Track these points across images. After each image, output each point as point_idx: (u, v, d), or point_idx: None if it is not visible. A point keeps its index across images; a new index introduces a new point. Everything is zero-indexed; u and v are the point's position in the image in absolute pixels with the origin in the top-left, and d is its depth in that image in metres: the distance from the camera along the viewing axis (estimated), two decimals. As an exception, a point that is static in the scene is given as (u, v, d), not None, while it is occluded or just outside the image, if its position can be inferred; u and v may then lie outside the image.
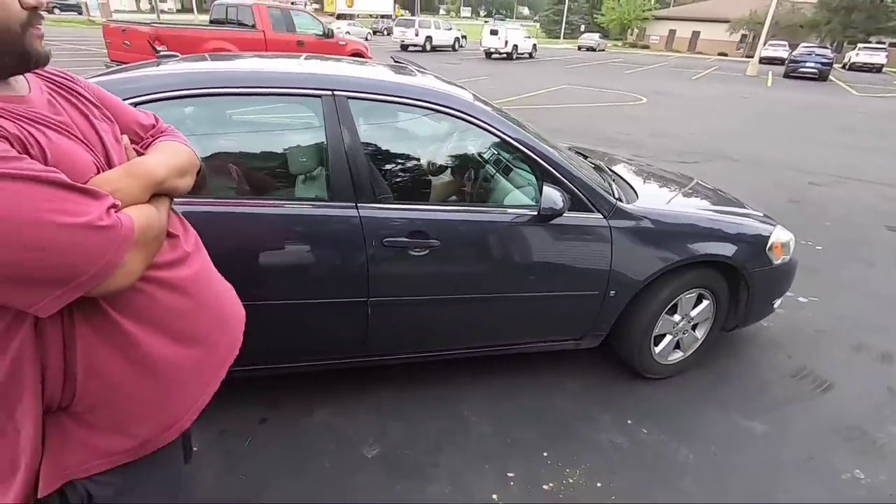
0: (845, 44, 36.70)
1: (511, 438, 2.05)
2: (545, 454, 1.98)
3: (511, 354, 2.26)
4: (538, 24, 61.84)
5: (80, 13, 35.72)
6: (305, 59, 2.11)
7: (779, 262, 2.37)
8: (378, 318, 1.89)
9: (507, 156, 2.26)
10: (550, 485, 1.85)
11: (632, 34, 49.99)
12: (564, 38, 49.92)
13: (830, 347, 2.82)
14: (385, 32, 38.13)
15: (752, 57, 26.04)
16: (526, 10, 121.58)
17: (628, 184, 2.39)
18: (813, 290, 3.34)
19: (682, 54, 41.72)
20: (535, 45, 25.94)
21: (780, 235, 2.38)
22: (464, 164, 2.23)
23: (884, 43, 34.10)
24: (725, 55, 41.15)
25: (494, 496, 1.79)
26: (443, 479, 1.84)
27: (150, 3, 44.33)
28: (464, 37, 28.73)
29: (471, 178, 2.19)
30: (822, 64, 21.25)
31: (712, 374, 2.51)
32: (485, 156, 2.31)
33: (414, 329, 2.02)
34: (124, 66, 1.96)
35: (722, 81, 19.24)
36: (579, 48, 35.95)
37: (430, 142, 2.24)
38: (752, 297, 2.36)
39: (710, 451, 2.05)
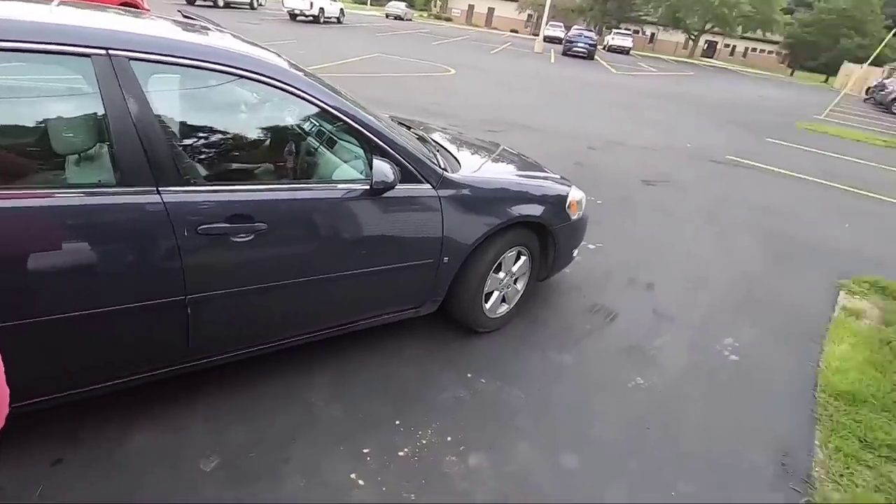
0: (604, 28, 43.95)
1: (362, 415, 2.04)
2: (397, 422, 2.04)
3: (354, 332, 2.23)
4: (343, -13, 59.59)
5: None
6: (57, 5, 1.66)
7: (575, 217, 2.78)
8: (200, 318, 1.66)
9: (330, 128, 2.15)
10: (406, 450, 1.91)
11: (435, 6, 51.82)
12: (371, 4, 49.20)
13: (613, 284, 3.45)
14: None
15: (537, 35, 29.38)
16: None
17: (451, 153, 2.50)
18: (598, 238, 4.03)
19: (480, 29, 44.90)
20: (342, 9, 25.02)
21: (575, 194, 2.78)
22: (284, 137, 2.04)
23: (629, 30, 41.85)
24: (516, 32, 45.66)
25: (353, 475, 1.78)
26: (296, 473, 1.76)
27: None
28: (262, -6, 26.16)
29: (293, 153, 2.03)
30: (589, 45, 25.13)
31: (529, 321, 2.86)
32: (307, 128, 2.15)
33: (245, 323, 1.84)
34: None
35: (516, 57, 21.34)
36: (387, 16, 35.94)
37: (243, 113, 1.98)
38: (558, 249, 2.74)
39: (535, 387, 2.36)
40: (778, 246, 4.57)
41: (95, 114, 1.44)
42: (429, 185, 2.06)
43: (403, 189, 1.97)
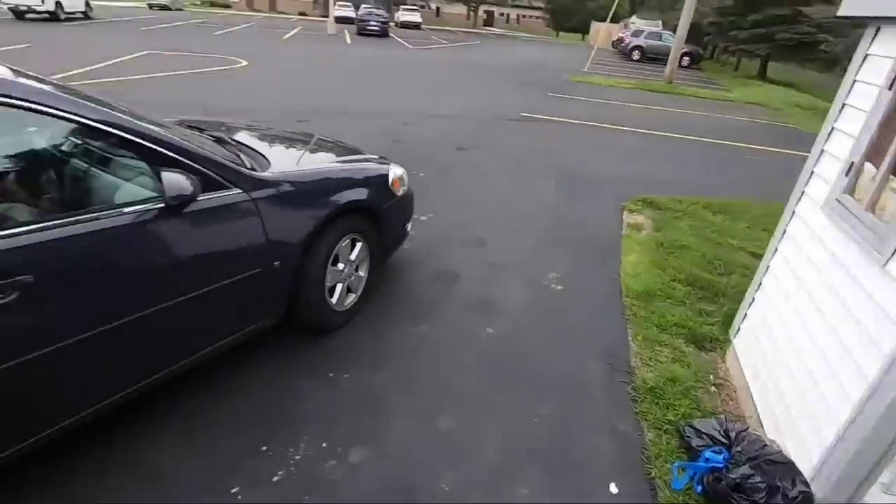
0: (392, 5, 44.73)
1: (221, 458, 1.84)
2: (264, 448, 1.89)
3: (191, 370, 1.98)
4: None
5: None
6: None
7: (400, 193, 2.84)
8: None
9: (99, 145, 1.81)
10: (280, 473, 1.80)
11: (208, -8, 46.63)
12: (126, -7, 42.13)
13: (449, 249, 3.65)
14: None
15: (327, 17, 28.59)
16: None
17: (256, 151, 2.32)
18: (428, 209, 4.19)
19: (265, 14, 41.91)
20: (87, 2, 20.93)
21: (395, 171, 2.83)
22: (44, 165, 1.65)
23: (416, 6, 43.34)
24: (305, 15, 43.71)
25: (227, 520, 1.62)
26: (156, 544, 1.53)
27: None
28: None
29: (58, 182, 1.66)
30: (381, 23, 25.38)
31: (381, 303, 2.88)
32: (68, 149, 1.76)
33: (38, 402, 1.48)
34: None
35: (311, 41, 20.52)
36: (151, 7, 31.18)
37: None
38: (391, 228, 2.78)
39: (398, 366, 2.40)
40: (571, 184, 5.33)
41: None
42: (238, 189, 1.89)
43: (208, 199, 1.77)
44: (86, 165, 1.84)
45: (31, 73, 1.60)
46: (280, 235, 2.04)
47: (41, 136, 1.64)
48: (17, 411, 1.45)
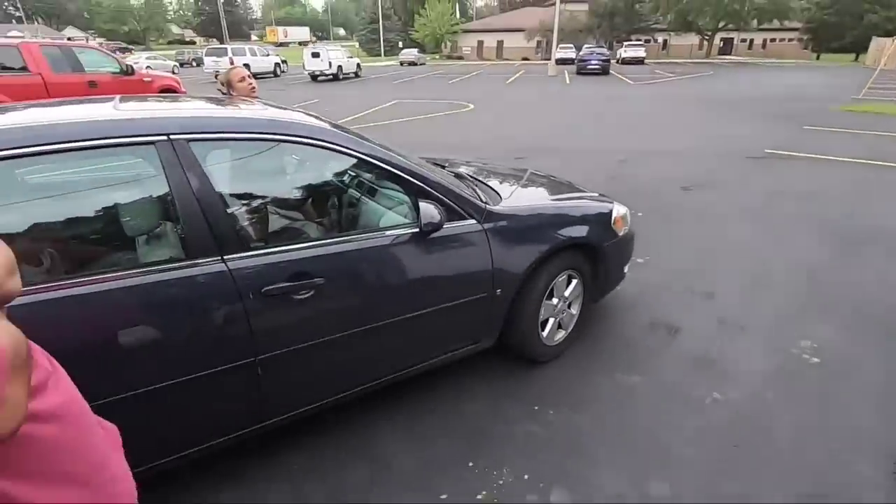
0: (614, 42, 44.18)
1: (435, 461, 2.01)
2: (470, 464, 1.99)
3: (417, 375, 2.23)
4: (357, 44, 62.85)
5: None
6: (121, 101, 1.82)
7: (622, 233, 2.73)
8: (272, 377, 1.71)
9: (369, 177, 2.23)
10: (483, 493, 1.86)
11: (446, 47, 53.64)
12: (385, 55, 51.47)
13: (669, 296, 3.33)
14: (194, 63, 35.16)
15: (549, 60, 29.81)
16: (342, 31, 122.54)
17: (489, 186, 2.53)
18: (646, 251, 3.92)
19: (492, 62, 45.99)
20: (359, 63, 26.26)
21: (618, 209, 2.74)
22: (331, 192, 2.13)
23: (640, 40, 41.92)
24: (528, 59, 46.47)
25: (434, 524, 1.74)
26: (378, 526, 1.74)
27: None
28: (284, 62, 27.86)
29: (339, 207, 2.11)
30: (603, 61, 25.27)
31: (590, 344, 2.78)
32: (348, 181, 2.23)
33: (313, 378, 1.87)
34: None
35: (532, 83, 21.65)
36: (401, 63, 37.37)
37: (291, 175, 2.09)
38: (609, 268, 2.68)
39: (607, 413, 2.27)
40: (836, 236, 4.32)
41: (161, 195, 1.54)
42: (474, 221, 2.08)
43: (450, 227, 2.00)
44: (359, 194, 2.28)
45: (328, 120, 2.07)
46: (505, 265, 2.16)
47: (333, 169, 2.09)
48: (307, 381, 1.86)
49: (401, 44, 50.33)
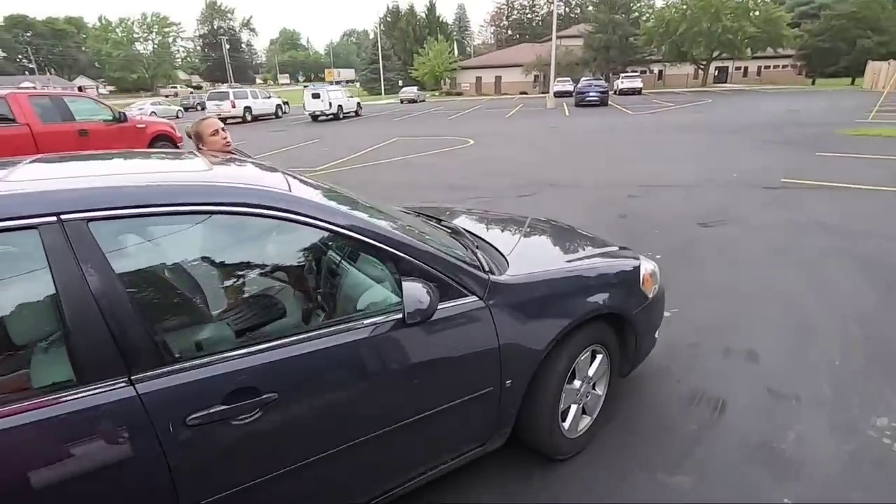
0: (610, 74, 44.83)
1: None
2: None
3: (407, 493, 1.76)
4: (358, 83, 64.16)
5: None
6: (29, 163, 1.44)
7: (652, 294, 2.30)
8: (204, 532, 1.25)
9: (340, 251, 1.82)
10: None
11: (445, 84, 54.65)
12: (385, 93, 52.42)
13: (706, 359, 2.86)
14: (199, 108, 35.70)
15: (546, 93, 30.08)
16: (345, 72, 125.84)
17: (493, 247, 2.11)
18: (671, 302, 3.46)
19: (490, 96, 46.66)
20: (359, 102, 26.53)
21: (646, 266, 2.32)
22: (289, 275, 1.71)
23: (637, 71, 42.53)
24: (526, 93, 47.13)
25: None
26: None
27: None
28: (286, 103, 28.19)
29: (301, 293, 1.69)
30: (601, 92, 25.38)
31: (621, 428, 2.31)
32: (312, 258, 1.81)
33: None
34: None
35: (531, 116, 21.65)
36: (402, 101, 37.89)
37: (237, 254, 1.67)
38: (639, 337, 2.24)
39: (653, 533, 1.78)
40: (879, 274, 3.86)
41: (44, 297, 1.13)
42: (474, 297, 1.66)
43: (445, 308, 1.57)
44: (333, 273, 1.85)
45: (297, 176, 1.68)
46: (515, 350, 1.73)
47: (293, 244, 1.65)
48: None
49: (401, 82, 51.23)
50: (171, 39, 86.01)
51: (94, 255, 1.14)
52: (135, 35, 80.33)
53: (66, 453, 1.08)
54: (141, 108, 27.49)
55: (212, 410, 1.19)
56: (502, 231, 2.59)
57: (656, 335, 2.48)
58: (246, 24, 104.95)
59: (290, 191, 1.47)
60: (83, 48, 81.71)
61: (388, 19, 64.67)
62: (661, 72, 50.40)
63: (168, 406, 1.16)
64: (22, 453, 1.05)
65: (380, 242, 1.52)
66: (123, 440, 1.13)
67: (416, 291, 1.42)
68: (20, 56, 79.78)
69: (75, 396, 1.10)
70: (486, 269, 1.78)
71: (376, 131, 17.28)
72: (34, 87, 35.85)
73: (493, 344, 1.67)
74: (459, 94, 51.90)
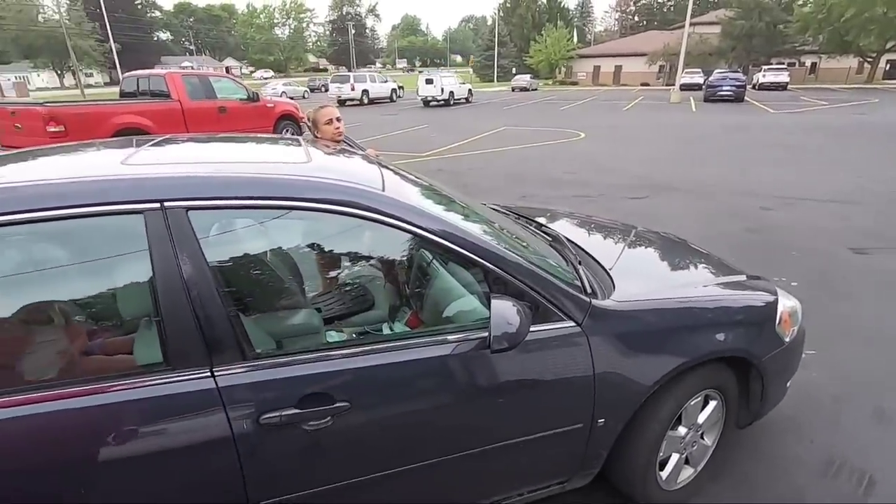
0: (750, 66, 40.00)
1: None
2: None
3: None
4: (471, 70, 64.31)
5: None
6: (151, 146, 1.52)
7: (789, 338, 1.91)
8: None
9: (425, 257, 1.71)
10: None
11: (560, 72, 52.73)
12: (498, 80, 51.93)
13: (851, 419, 2.37)
14: (322, 89, 38.24)
15: (672, 85, 27.63)
16: (459, 58, 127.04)
17: (597, 262, 1.88)
18: (811, 341, 2.91)
19: (608, 87, 44.15)
20: (470, 89, 26.54)
21: (786, 303, 1.93)
22: (369, 280, 1.64)
23: (783, 63, 37.46)
24: (648, 85, 43.90)
25: None
26: None
27: (75, 78, 42.59)
28: (401, 87, 29.09)
29: (386, 300, 1.62)
30: (737, 86, 22.71)
31: (731, 489, 1.97)
32: (403, 264, 1.73)
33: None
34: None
35: (651, 110, 20.08)
36: (513, 89, 37.23)
37: (325, 251, 1.65)
38: (767, 386, 1.88)
39: None
40: None
41: (141, 282, 1.16)
42: (571, 322, 1.46)
43: (536, 331, 1.40)
44: (419, 280, 1.77)
45: (399, 171, 1.60)
46: (613, 387, 1.51)
47: (382, 248, 1.57)
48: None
49: (514, 70, 50.38)
50: (305, 24, 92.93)
51: (190, 242, 1.15)
52: (275, 20, 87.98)
53: (141, 433, 1.11)
54: (274, 89, 30.08)
55: (285, 413, 1.16)
56: (607, 242, 2.34)
57: (787, 384, 2.08)
58: (372, 11, 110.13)
59: (384, 190, 1.38)
60: (232, 32, 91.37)
61: (508, 5, 63.67)
62: (814, 65, 43.85)
63: (245, 402, 1.15)
64: (105, 429, 1.09)
65: (470, 252, 1.39)
66: (199, 429, 1.14)
67: (505, 312, 1.27)
68: (183, 39, 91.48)
69: (160, 381, 1.12)
70: (589, 290, 1.57)
71: (484, 119, 17.14)
72: (192, 67, 40.83)
73: (587, 378, 1.47)
74: (574, 83, 49.77)
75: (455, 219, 1.48)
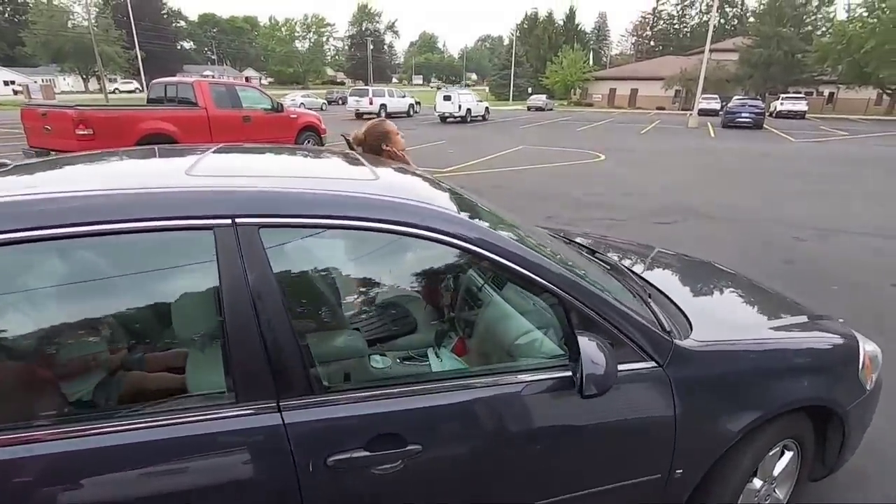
0: (766, 94, 39.94)
1: None
2: None
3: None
4: (487, 88, 64.94)
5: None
6: (213, 152, 1.44)
7: (871, 385, 1.78)
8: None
9: (498, 283, 1.61)
10: None
11: (575, 93, 53.01)
12: (513, 100, 52.32)
13: (922, 473, 2.20)
14: (340, 102, 38.72)
15: (688, 110, 27.64)
16: (474, 76, 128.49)
17: (671, 301, 1.75)
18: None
19: (623, 110, 44.27)
20: (487, 107, 26.68)
21: (866, 348, 1.80)
22: (444, 309, 1.54)
23: (801, 92, 37.38)
24: (663, 109, 43.95)
25: None
26: None
27: (99, 84, 43.57)
28: (417, 103, 29.34)
29: (462, 330, 1.51)
30: (756, 114, 22.64)
31: (803, 546, 1.82)
32: (473, 291, 1.63)
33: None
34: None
35: (668, 134, 20.01)
36: (529, 108, 37.43)
37: (396, 280, 1.55)
38: (848, 437, 1.74)
39: None
40: None
41: (206, 305, 1.07)
42: (653, 363, 1.35)
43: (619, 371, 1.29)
44: (490, 295, 1.67)
45: (466, 196, 1.51)
46: (693, 435, 1.39)
47: (456, 273, 1.48)
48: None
49: (530, 89, 50.76)
50: (325, 38, 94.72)
51: (261, 262, 1.06)
52: (296, 34, 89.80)
53: (202, 468, 1.01)
54: (293, 100, 30.49)
55: (354, 455, 1.05)
56: (666, 273, 2.22)
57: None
58: (391, 27, 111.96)
59: (459, 213, 1.29)
60: (253, 44, 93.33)
61: (525, 25, 64.54)
62: (832, 94, 43.73)
63: (312, 442, 1.04)
64: (163, 461, 0.99)
65: (550, 281, 1.28)
66: (262, 469, 1.03)
67: (594, 354, 1.15)
68: (206, 49, 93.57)
69: (224, 415, 1.02)
70: (667, 328, 1.46)
71: (501, 138, 17.15)
72: (212, 76, 41.56)
73: (668, 425, 1.35)
74: (590, 104, 49.97)
75: (530, 245, 1.37)
